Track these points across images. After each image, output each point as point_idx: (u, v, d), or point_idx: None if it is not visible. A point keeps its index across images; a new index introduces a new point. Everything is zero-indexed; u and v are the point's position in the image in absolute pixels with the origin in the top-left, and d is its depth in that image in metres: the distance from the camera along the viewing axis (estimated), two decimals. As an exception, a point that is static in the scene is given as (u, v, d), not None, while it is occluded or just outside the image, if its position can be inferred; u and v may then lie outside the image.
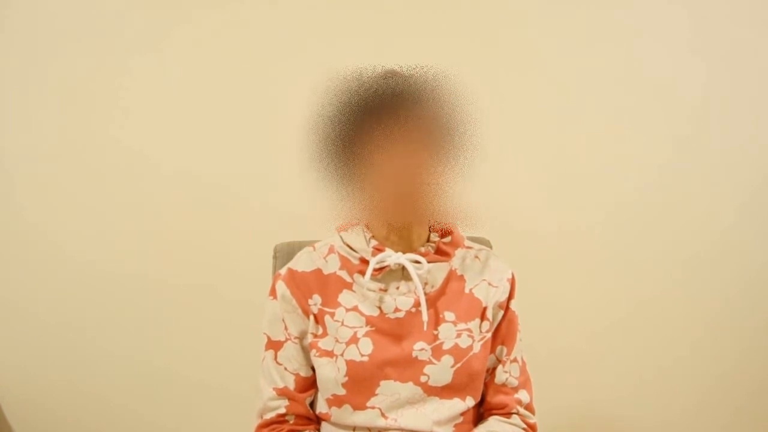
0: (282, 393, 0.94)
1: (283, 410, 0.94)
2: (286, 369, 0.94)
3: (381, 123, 0.81)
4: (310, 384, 0.95)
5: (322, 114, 0.84)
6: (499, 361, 0.98)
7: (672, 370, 1.84)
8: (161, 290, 1.72)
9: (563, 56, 1.75)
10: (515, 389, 0.98)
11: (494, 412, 0.97)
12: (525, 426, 0.97)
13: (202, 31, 1.69)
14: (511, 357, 0.98)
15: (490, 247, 1.15)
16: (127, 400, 1.75)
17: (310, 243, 1.03)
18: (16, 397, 1.74)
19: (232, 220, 1.72)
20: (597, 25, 1.76)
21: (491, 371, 0.98)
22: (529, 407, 0.99)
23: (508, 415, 0.97)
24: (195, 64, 1.70)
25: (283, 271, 0.98)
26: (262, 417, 0.95)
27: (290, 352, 0.94)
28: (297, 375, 0.94)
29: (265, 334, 0.97)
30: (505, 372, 0.98)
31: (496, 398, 0.97)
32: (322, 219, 0.91)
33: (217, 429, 1.76)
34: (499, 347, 0.98)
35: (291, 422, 0.94)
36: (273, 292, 0.97)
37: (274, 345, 0.95)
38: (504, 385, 0.97)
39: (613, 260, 1.80)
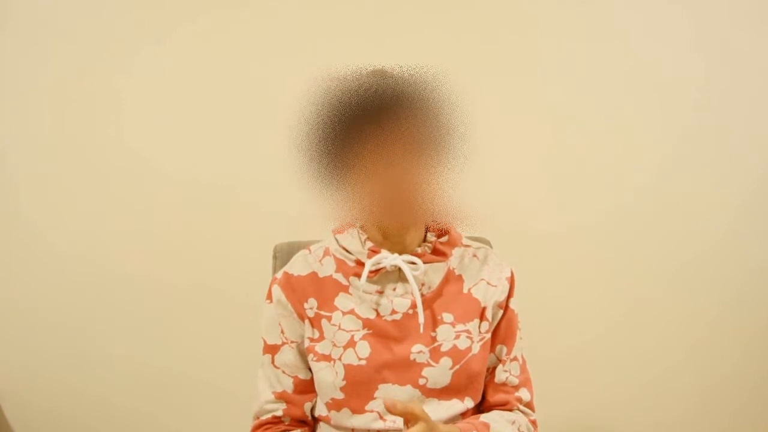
0: (280, 397, 0.94)
1: (280, 413, 0.94)
2: (284, 372, 0.95)
3: (379, 124, 0.81)
4: (309, 386, 0.95)
5: (321, 114, 0.83)
6: (499, 360, 0.98)
7: (671, 372, 1.84)
8: (161, 290, 1.72)
9: (562, 55, 1.75)
10: (515, 387, 0.98)
11: (495, 409, 0.97)
12: (528, 419, 0.97)
13: (201, 31, 1.69)
14: (511, 356, 0.98)
15: (490, 247, 1.14)
16: (127, 400, 1.75)
17: (310, 243, 1.02)
18: (17, 397, 1.74)
19: (233, 220, 1.72)
20: (597, 25, 1.76)
21: (491, 370, 0.98)
22: (529, 405, 0.99)
23: (509, 411, 0.97)
24: (194, 64, 1.69)
25: (279, 274, 0.97)
26: (257, 418, 0.96)
27: (287, 356, 0.95)
28: (296, 377, 0.95)
29: (262, 338, 0.97)
30: (505, 371, 0.97)
31: (496, 397, 0.97)
32: (321, 220, 0.91)
33: (217, 429, 1.76)
34: (498, 346, 0.98)
35: (286, 423, 0.94)
36: (269, 296, 0.97)
37: (271, 349, 0.95)
38: (504, 384, 0.97)
39: (612, 261, 1.80)
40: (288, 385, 0.94)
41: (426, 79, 0.83)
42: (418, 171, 0.83)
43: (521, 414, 0.97)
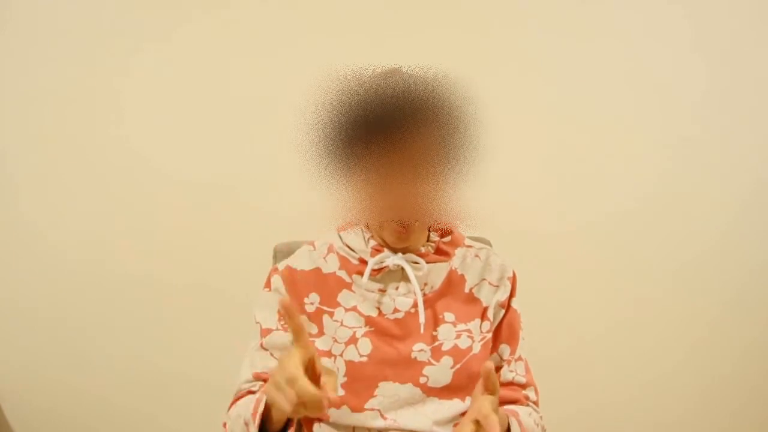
0: (258, 377, 0.92)
1: (256, 388, 0.92)
2: (271, 355, 0.93)
3: (380, 124, 0.81)
4: None
5: (322, 114, 0.84)
6: (502, 360, 0.98)
7: (671, 372, 1.84)
8: (161, 290, 1.72)
9: (562, 56, 1.75)
10: (523, 386, 0.98)
11: (505, 406, 0.97)
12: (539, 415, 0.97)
13: (201, 31, 1.69)
14: (515, 356, 0.99)
15: (491, 247, 1.15)
16: (127, 399, 1.75)
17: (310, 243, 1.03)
18: (17, 397, 1.74)
19: (233, 220, 1.72)
20: (598, 25, 1.76)
21: (496, 371, 0.98)
22: (536, 404, 0.99)
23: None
24: (195, 64, 1.69)
25: (281, 266, 0.97)
26: (234, 396, 0.94)
27: (278, 339, 0.93)
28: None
29: (257, 323, 0.96)
30: (511, 371, 0.98)
31: (505, 395, 0.97)
32: (322, 219, 0.91)
33: (217, 429, 1.75)
34: (502, 346, 0.98)
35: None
36: (268, 285, 0.97)
37: (263, 332, 0.94)
38: (511, 382, 0.98)
39: (612, 261, 1.80)
40: (271, 367, 0.92)
41: (427, 79, 0.83)
42: (419, 170, 0.83)
43: (532, 409, 0.97)
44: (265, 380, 0.92)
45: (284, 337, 0.94)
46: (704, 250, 1.81)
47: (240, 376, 0.94)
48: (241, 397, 0.93)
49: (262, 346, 0.94)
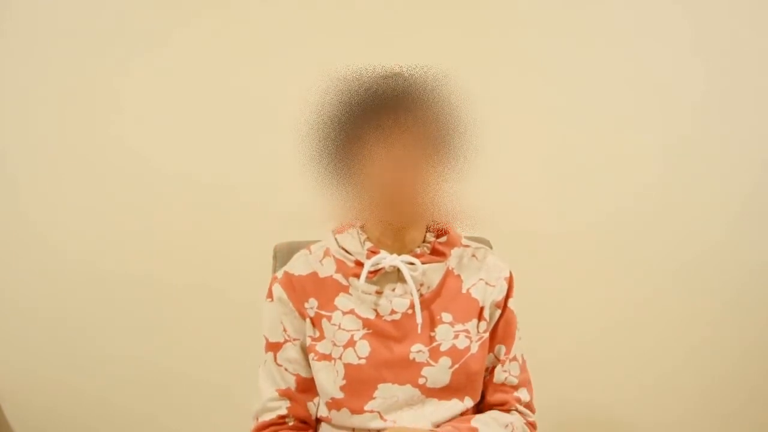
0: (284, 394, 0.94)
1: (284, 411, 0.93)
2: (286, 370, 0.94)
3: (380, 124, 0.82)
4: (311, 385, 0.95)
5: (322, 114, 0.84)
6: (497, 360, 0.98)
7: (671, 372, 1.84)
8: (161, 290, 1.72)
9: (563, 56, 1.75)
10: (515, 387, 0.98)
11: (494, 408, 0.97)
12: (524, 421, 0.97)
13: (202, 32, 1.69)
14: (510, 356, 0.98)
15: (490, 247, 1.15)
16: (127, 400, 1.75)
17: (311, 243, 1.03)
18: (17, 397, 1.74)
19: (232, 220, 1.72)
20: (597, 25, 1.76)
21: (490, 370, 0.98)
22: (528, 406, 0.99)
23: (507, 411, 0.97)
24: (195, 64, 1.69)
25: (279, 274, 0.98)
26: (258, 419, 0.95)
27: (289, 354, 0.94)
28: (297, 375, 0.94)
29: (264, 336, 0.97)
30: (504, 371, 0.98)
31: (495, 396, 0.97)
32: (322, 219, 0.91)
33: (217, 428, 1.76)
34: (497, 346, 0.98)
35: (290, 424, 0.94)
36: (270, 295, 0.97)
37: (273, 347, 0.95)
38: (503, 384, 0.97)
39: (612, 261, 1.80)
40: (291, 382, 0.94)
41: (427, 79, 0.83)
42: (419, 170, 0.83)
43: (518, 415, 0.97)
44: (291, 398, 0.93)
45: (295, 350, 0.94)
46: (704, 250, 1.81)
47: (262, 394, 0.95)
48: (273, 425, 0.93)
49: (276, 361, 0.95)
